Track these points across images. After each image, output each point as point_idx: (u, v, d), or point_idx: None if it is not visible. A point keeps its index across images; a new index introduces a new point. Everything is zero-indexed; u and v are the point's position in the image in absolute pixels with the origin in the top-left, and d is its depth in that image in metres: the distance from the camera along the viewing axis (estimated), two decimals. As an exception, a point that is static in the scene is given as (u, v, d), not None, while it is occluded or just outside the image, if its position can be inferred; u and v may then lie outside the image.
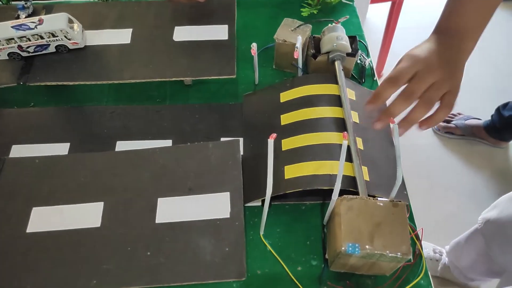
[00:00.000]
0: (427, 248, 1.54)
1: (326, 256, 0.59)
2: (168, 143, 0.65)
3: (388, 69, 1.96)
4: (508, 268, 1.03)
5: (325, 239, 0.61)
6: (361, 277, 0.58)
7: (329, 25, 0.72)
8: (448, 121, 1.79)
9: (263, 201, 0.64)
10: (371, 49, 0.83)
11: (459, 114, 1.80)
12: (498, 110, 1.63)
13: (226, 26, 0.71)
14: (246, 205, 0.60)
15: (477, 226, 1.11)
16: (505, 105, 1.60)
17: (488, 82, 1.96)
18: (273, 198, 0.62)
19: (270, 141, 0.51)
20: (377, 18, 2.14)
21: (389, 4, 1.74)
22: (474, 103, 1.83)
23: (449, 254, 1.34)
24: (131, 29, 0.72)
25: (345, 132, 0.52)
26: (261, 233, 0.61)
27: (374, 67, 0.77)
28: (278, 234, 0.62)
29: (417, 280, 0.58)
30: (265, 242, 0.60)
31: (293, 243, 0.61)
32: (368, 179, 0.60)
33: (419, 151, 1.79)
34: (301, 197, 0.65)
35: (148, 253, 0.49)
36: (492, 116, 1.66)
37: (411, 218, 0.63)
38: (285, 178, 0.60)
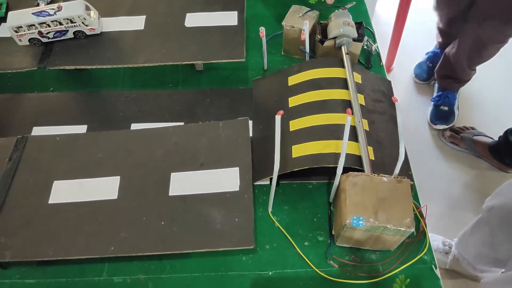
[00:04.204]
0: (437, 241, 1.54)
1: (333, 232, 0.61)
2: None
3: (397, 64, 1.95)
4: None
5: (331, 216, 0.64)
6: (366, 252, 0.60)
7: (336, 11, 0.74)
8: (457, 132, 1.75)
9: (271, 180, 0.66)
10: (381, 44, 0.84)
11: (472, 128, 1.74)
12: (506, 132, 1.58)
13: (236, 12, 0.74)
14: (255, 183, 0.63)
15: (481, 214, 1.12)
16: None
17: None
18: (281, 177, 0.64)
19: (278, 117, 0.53)
20: (386, 13, 2.14)
21: (398, -3, 1.74)
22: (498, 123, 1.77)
23: (457, 245, 1.35)
24: (144, 16, 0.75)
25: (349, 109, 0.54)
26: (270, 210, 0.63)
27: (384, 62, 0.79)
28: (286, 211, 0.64)
29: (420, 255, 0.60)
30: (273, 218, 0.63)
31: (300, 220, 0.63)
32: (374, 158, 0.62)
33: (423, 154, 1.78)
34: (308, 177, 0.67)
35: (162, 223, 0.52)
36: (499, 137, 1.62)
37: (416, 197, 0.65)
38: (293, 157, 0.62)
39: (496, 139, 1.67)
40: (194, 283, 0.58)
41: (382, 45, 1.86)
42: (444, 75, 1.76)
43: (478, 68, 1.73)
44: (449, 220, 1.64)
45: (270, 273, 0.59)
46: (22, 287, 0.57)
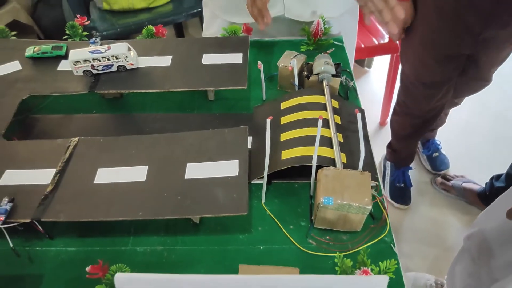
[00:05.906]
0: (430, 280, 1.62)
1: (312, 217, 0.76)
2: (194, 138, 0.86)
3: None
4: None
5: (312, 207, 0.79)
6: (338, 233, 0.75)
7: (319, 54, 0.95)
8: (448, 179, 1.88)
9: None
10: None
11: (462, 176, 1.88)
12: (492, 179, 1.70)
13: (241, 54, 0.95)
14: (252, 182, 0.80)
15: (463, 244, 1.23)
16: (498, 176, 1.67)
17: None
18: (273, 177, 0.81)
19: (268, 121, 0.72)
20: (379, 74, 2.39)
21: (389, 56, 1.98)
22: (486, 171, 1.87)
23: (447, 281, 1.43)
24: (171, 56, 0.96)
25: (321, 115, 0.73)
26: (263, 201, 0.79)
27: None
28: (276, 203, 0.80)
29: (382, 236, 0.74)
30: (265, 208, 0.79)
31: (287, 210, 0.79)
32: (346, 162, 0.79)
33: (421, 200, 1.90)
34: (295, 177, 0.84)
35: (179, 197, 0.69)
36: (486, 184, 1.74)
37: (380, 193, 0.80)
38: (282, 159, 0.80)
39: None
40: (201, 254, 0.72)
41: (377, 102, 2.05)
42: None
43: (466, 122, 1.92)
44: (442, 262, 1.73)
45: (261, 248, 0.73)
46: (65, 253, 0.73)
